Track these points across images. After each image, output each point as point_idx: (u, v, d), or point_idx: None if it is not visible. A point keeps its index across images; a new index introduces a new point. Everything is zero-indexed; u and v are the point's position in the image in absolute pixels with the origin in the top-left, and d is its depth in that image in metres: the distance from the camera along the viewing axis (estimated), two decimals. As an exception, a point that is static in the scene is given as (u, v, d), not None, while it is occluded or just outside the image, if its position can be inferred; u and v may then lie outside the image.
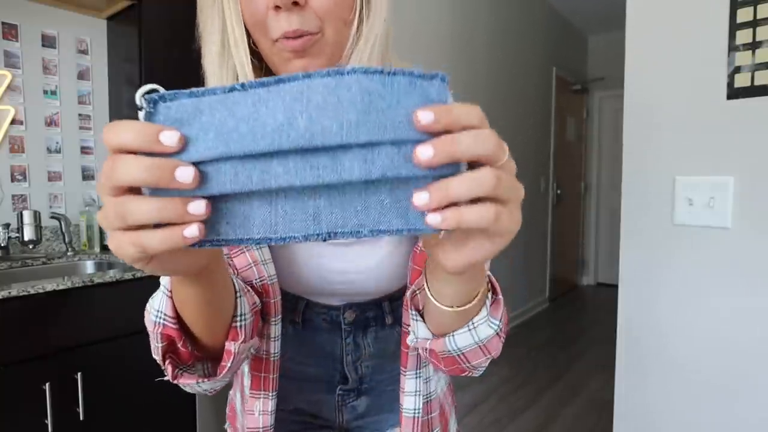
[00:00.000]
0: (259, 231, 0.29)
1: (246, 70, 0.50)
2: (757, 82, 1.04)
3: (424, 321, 0.50)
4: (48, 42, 1.99)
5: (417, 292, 0.52)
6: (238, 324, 0.48)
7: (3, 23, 1.87)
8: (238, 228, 0.29)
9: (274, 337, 0.58)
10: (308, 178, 0.27)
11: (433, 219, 0.27)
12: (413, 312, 0.51)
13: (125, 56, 2.06)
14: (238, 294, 0.49)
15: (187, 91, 0.27)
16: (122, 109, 2.12)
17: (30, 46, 1.94)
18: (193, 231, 0.27)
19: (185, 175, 0.26)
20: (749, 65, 1.04)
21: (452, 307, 0.43)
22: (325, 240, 0.29)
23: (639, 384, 1.23)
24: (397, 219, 0.29)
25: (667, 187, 1.16)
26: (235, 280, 0.49)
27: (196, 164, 0.27)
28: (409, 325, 0.53)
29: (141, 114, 0.28)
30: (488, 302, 0.46)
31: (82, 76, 2.10)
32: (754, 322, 1.07)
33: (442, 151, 0.26)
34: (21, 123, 1.92)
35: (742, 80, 1.05)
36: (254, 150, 0.26)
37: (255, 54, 0.52)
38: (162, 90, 0.28)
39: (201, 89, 0.27)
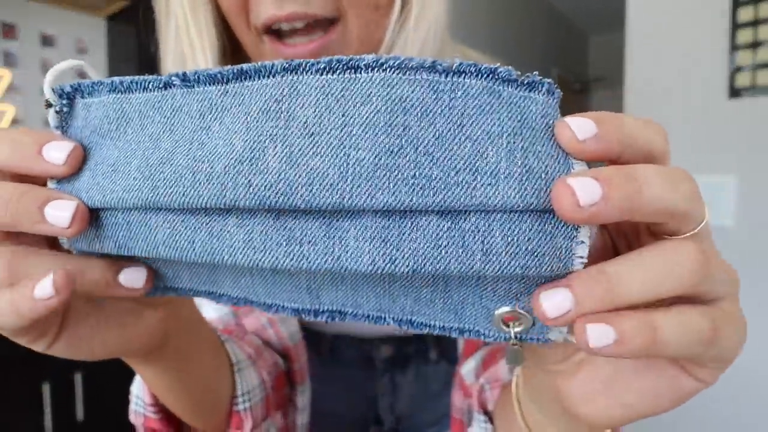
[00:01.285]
0: (230, 288, 0.20)
1: None
2: (758, 82, 1.03)
3: (494, 431, 0.32)
4: (47, 41, 1.99)
5: (485, 385, 0.35)
6: (241, 407, 0.36)
7: (2, 23, 1.87)
8: (192, 278, 0.20)
9: (302, 407, 0.44)
10: (283, 257, 0.16)
11: (597, 337, 0.15)
12: (479, 414, 0.34)
13: (125, 56, 2.06)
14: (236, 368, 0.36)
15: (110, 80, 0.18)
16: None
17: (29, 46, 1.93)
18: (44, 289, 0.17)
19: (59, 215, 0.17)
20: (750, 65, 1.04)
21: None
22: (328, 321, 0.20)
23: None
24: (443, 312, 0.18)
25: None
26: (232, 349, 0.37)
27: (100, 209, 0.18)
28: (463, 412, 0.38)
29: (50, 115, 0.19)
30: None
31: (81, 75, 2.10)
32: (755, 320, 1.07)
33: (611, 200, 0.14)
34: (20, 123, 1.92)
35: (743, 80, 1.05)
36: (193, 203, 0.16)
37: (246, 59, 0.38)
38: (89, 73, 0.20)
39: (128, 79, 0.18)
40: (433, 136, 0.15)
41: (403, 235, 0.15)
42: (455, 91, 0.15)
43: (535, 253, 0.15)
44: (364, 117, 0.15)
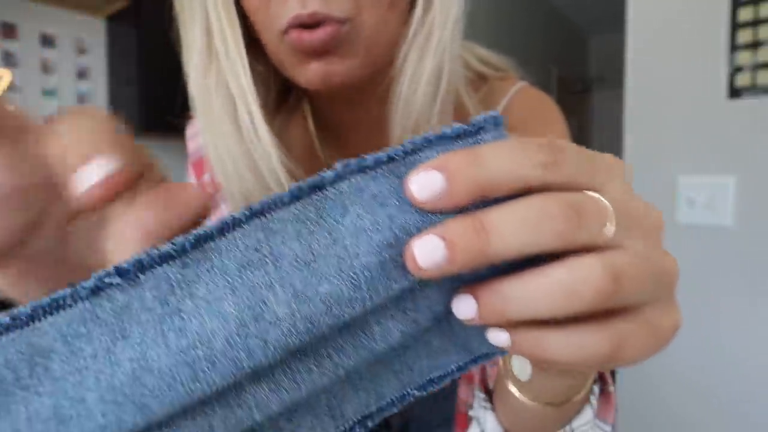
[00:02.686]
0: None
1: (244, 84, 0.35)
2: (758, 82, 1.03)
3: (494, 409, 0.34)
4: (47, 41, 1.99)
5: (486, 365, 0.37)
6: None
7: (2, 23, 1.87)
8: None
9: None
10: (319, 378, 0.16)
11: (496, 337, 0.17)
12: (480, 392, 0.34)
13: (124, 56, 2.06)
14: None
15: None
16: (122, 109, 2.12)
17: (29, 46, 1.93)
18: None
19: None
20: (750, 65, 1.04)
21: (543, 403, 0.27)
22: None
23: (639, 384, 1.23)
24: (456, 354, 0.19)
25: (668, 187, 1.16)
26: None
27: None
28: (468, 405, 0.38)
29: None
30: (595, 397, 0.30)
31: (81, 75, 2.10)
32: (755, 321, 1.07)
33: (454, 261, 0.15)
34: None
35: (743, 80, 1.05)
36: (204, 394, 0.14)
37: (261, 56, 0.38)
38: None
39: (23, 310, 0.13)
40: (418, 215, 0.16)
41: (416, 299, 0.16)
42: (414, 166, 0.16)
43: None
44: (350, 226, 0.15)
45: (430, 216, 0.16)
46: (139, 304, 0.14)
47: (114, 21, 2.13)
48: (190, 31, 0.36)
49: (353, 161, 0.16)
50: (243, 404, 0.15)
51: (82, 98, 2.10)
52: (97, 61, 2.15)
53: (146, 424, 0.14)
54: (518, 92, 0.45)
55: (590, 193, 0.16)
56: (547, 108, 0.46)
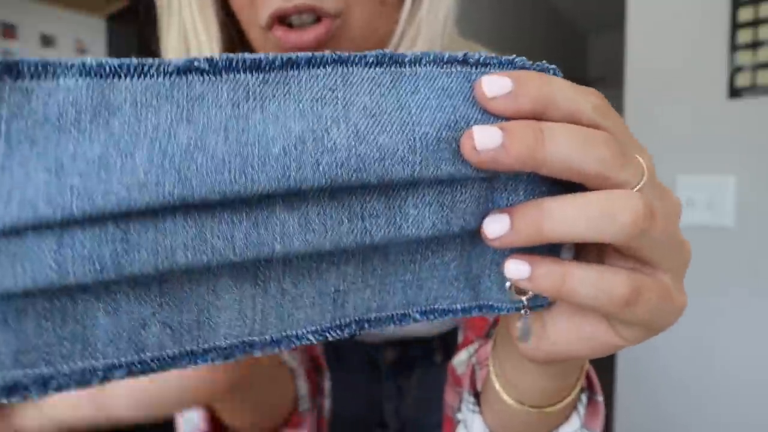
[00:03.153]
0: (225, 334, 0.16)
1: None
2: (758, 82, 1.03)
3: (481, 413, 0.33)
4: (47, 41, 1.99)
5: (476, 366, 0.36)
6: (301, 408, 0.37)
7: (2, 23, 1.87)
8: (166, 334, 0.15)
9: (327, 392, 0.44)
10: (346, 235, 0.16)
11: (517, 269, 0.17)
12: (469, 395, 0.34)
13: (125, 56, 2.06)
14: (294, 374, 0.37)
15: (80, 61, 0.14)
16: (122, 109, 2.12)
17: (29, 46, 1.93)
18: None
19: None
20: (750, 65, 1.04)
21: (529, 405, 0.27)
22: (351, 335, 0.18)
23: (639, 383, 1.23)
24: (463, 291, 0.19)
25: (667, 187, 1.16)
26: (288, 357, 0.37)
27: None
28: (455, 409, 0.38)
29: None
30: (582, 406, 0.30)
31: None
32: (755, 321, 1.07)
33: (509, 151, 0.15)
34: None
35: (743, 80, 1.05)
36: (246, 190, 0.14)
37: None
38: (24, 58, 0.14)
39: (114, 61, 0.14)
40: (480, 112, 0.17)
41: (455, 197, 0.17)
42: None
43: None
44: (418, 102, 0.16)
45: (492, 119, 0.17)
46: (213, 98, 0.14)
47: (114, 21, 2.13)
48: (166, 33, 0.35)
49: (431, 54, 0.17)
50: (269, 227, 0.15)
51: (82, 98, 2.11)
52: (97, 61, 2.15)
53: (181, 200, 0.14)
54: None
55: (632, 154, 0.17)
56: None
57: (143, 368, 0.15)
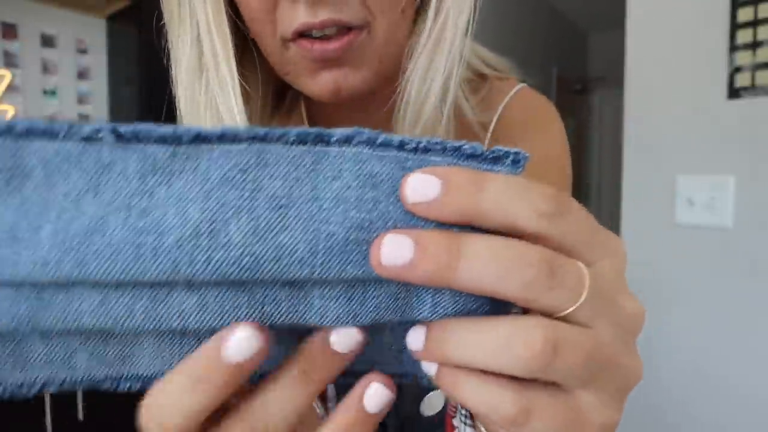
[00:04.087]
0: (149, 362, 0.17)
1: (233, 106, 0.33)
2: (758, 82, 1.03)
3: (474, 427, 0.32)
4: (47, 41, 1.99)
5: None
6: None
7: (2, 23, 1.87)
8: (93, 359, 0.17)
9: (332, 398, 0.44)
10: (243, 319, 0.16)
11: (425, 365, 0.17)
12: (462, 408, 0.34)
13: (125, 56, 2.06)
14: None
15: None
16: (122, 109, 2.12)
17: (29, 46, 1.93)
18: None
19: None
20: (750, 65, 1.04)
21: None
22: None
23: (639, 383, 1.23)
24: (385, 359, 0.19)
25: (667, 187, 1.16)
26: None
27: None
28: (453, 410, 0.37)
29: None
30: None
31: (81, 75, 2.10)
32: (755, 321, 1.07)
33: (416, 269, 0.15)
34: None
35: (742, 80, 1.05)
36: (136, 279, 0.14)
37: (254, 60, 0.36)
38: None
39: (24, 123, 0.14)
40: (402, 211, 0.15)
41: (367, 294, 0.16)
42: (423, 166, 0.16)
43: (469, 311, 0.17)
44: (336, 191, 0.15)
45: (413, 219, 0.16)
46: (121, 168, 0.14)
47: (114, 21, 2.13)
48: (179, 43, 0.34)
49: (367, 132, 0.16)
50: (168, 305, 0.15)
51: (82, 98, 2.10)
52: (97, 61, 2.15)
53: (80, 280, 0.14)
54: (517, 94, 0.44)
55: (576, 261, 0.16)
56: (545, 111, 0.45)
57: (74, 385, 0.17)
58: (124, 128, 0.14)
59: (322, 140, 0.16)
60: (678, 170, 1.14)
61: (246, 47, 0.36)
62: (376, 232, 0.15)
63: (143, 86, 1.96)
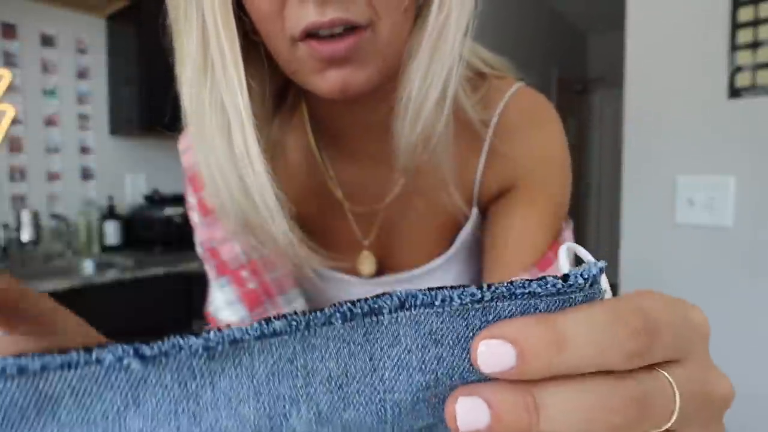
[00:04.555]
0: None
1: (240, 103, 0.33)
2: (758, 82, 1.03)
3: None
4: (47, 41, 1.99)
5: None
6: None
7: (1, 23, 1.87)
8: None
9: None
10: None
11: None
12: None
13: (125, 56, 2.06)
14: None
15: (3, 365, 0.13)
16: (122, 109, 2.12)
17: (29, 46, 1.93)
18: None
19: None
20: (750, 64, 1.04)
21: None
22: None
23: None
24: None
25: (667, 187, 1.16)
26: None
27: None
28: None
29: None
30: None
31: (81, 75, 2.10)
32: (755, 321, 1.07)
33: (498, 429, 0.14)
34: (20, 123, 1.92)
35: (743, 80, 1.05)
36: None
37: (258, 56, 0.37)
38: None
39: (37, 361, 0.13)
40: (468, 361, 0.15)
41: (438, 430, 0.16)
42: (487, 315, 0.15)
43: None
44: (395, 359, 0.14)
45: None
46: (157, 380, 0.13)
47: (114, 21, 2.13)
48: (185, 41, 0.35)
49: (420, 294, 0.14)
50: None
51: (82, 98, 2.10)
52: (97, 61, 2.15)
53: None
54: (516, 94, 0.45)
55: (665, 376, 0.15)
56: (544, 111, 0.46)
57: None
58: (149, 350, 0.13)
59: (373, 313, 0.14)
60: (678, 170, 1.14)
61: (248, 46, 0.37)
62: (445, 386, 0.15)
63: (143, 86, 1.96)
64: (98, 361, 0.13)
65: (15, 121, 1.91)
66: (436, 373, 0.15)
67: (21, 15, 1.92)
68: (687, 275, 1.15)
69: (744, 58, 1.05)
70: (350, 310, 0.14)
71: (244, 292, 0.46)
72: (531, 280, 0.15)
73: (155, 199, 2.13)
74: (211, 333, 0.14)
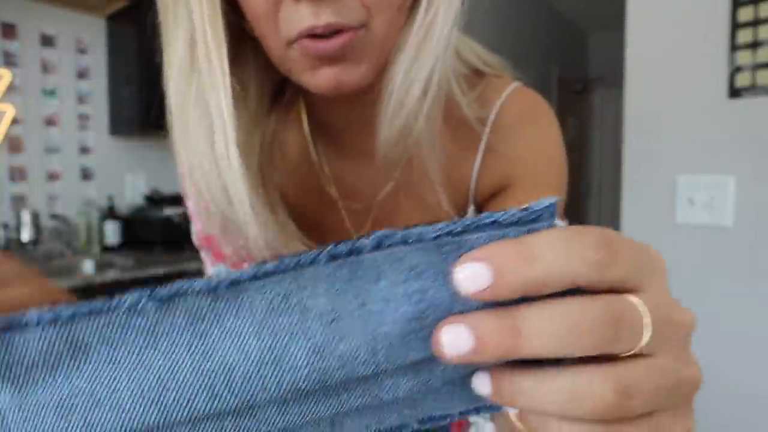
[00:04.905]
0: None
1: (223, 105, 0.33)
2: (758, 82, 1.03)
3: (494, 420, 0.33)
4: (47, 41, 1.99)
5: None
6: None
7: (1, 23, 1.87)
8: None
9: None
10: (324, 411, 0.17)
11: (483, 386, 0.17)
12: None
13: (125, 56, 2.06)
14: None
15: (37, 316, 0.15)
16: (122, 109, 2.12)
17: (29, 46, 1.93)
18: None
19: None
20: (750, 64, 1.04)
21: None
22: None
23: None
24: (462, 400, 0.19)
25: (668, 187, 1.16)
26: None
27: None
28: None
29: None
30: None
31: (81, 75, 2.10)
32: (755, 321, 1.07)
33: (481, 355, 0.15)
34: (20, 123, 1.92)
35: (743, 79, 1.05)
36: (216, 411, 0.16)
37: (253, 53, 0.37)
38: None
39: (68, 310, 0.15)
40: (449, 294, 0.16)
41: (434, 368, 0.17)
42: (461, 248, 0.16)
43: None
44: (380, 292, 0.16)
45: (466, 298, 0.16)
46: (170, 322, 0.15)
47: (114, 21, 2.13)
48: (172, 40, 0.35)
49: (398, 234, 0.16)
50: (254, 419, 0.17)
51: (82, 98, 2.10)
52: (97, 61, 2.15)
53: (166, 423, 0.15)
54: (513, 93, 0.45)
55: (632, 299, 0.16)
56: (540, 110, 0.46)
57: None
58: (163, 292, 0.15)
59: (353, 252, 0.16)
60: (678, 170, 1.14)
61: (243, 43, 0.37)
62: (432, 318, 0.16)
63: (143, 86, 1.96)
64: (118, 306, 0.15)
65: (15, 121, 1.91)
66: (421, 305, 0.16)
67: (21, 15, 1.92)
68: (687, 275, 1.15)
69: (744, 58, 1.05)
70: (335, 249, 0.16)
71: None
72: (495, 213, 0.16)
73: (155, 199, 2.13)
74: (213, 276, 0.15)
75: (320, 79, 0.33)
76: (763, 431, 1.06)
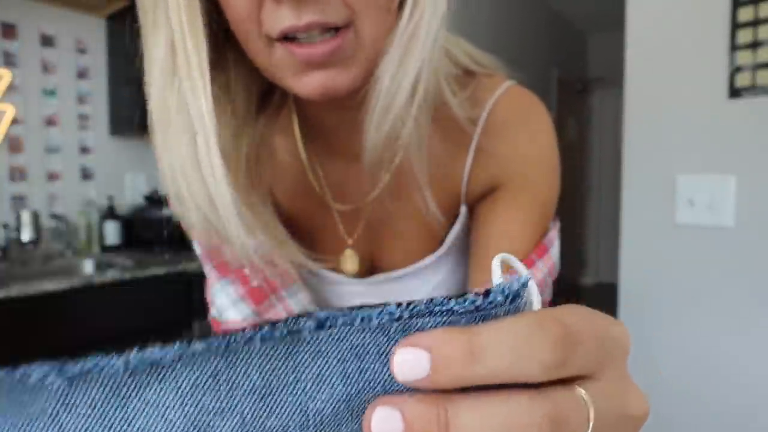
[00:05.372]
0: None
1: (204, 111, 0.32)
2: (758, 82, 1.03)
3: None
4: (47, 41, 1.99)
5: None
6: None
7: (1, 23, 1.86)
8: None
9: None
10: None
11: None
12: None
13: (125, 56, 2.06)
14: None
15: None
16: (122, 109, 2.12)
17: (28, 46, 1.93)
18: None
19: None
20: (750, 64, 1.04)
21: None
22: None
23: (639, 383, 1.23)
24: None
25: (668, 187, 1.16)
26: None
27: None
28: None
29: None
30: None
31: (81, 75, 2.10)
32: (755, 322, 1.07)
33: None
34: (20, 123, 1.92)
35: (743, 79, 1.05)
36: None
37: (240, 58, 0.37)
38: None
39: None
40: (389, 373, 0.15)
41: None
42: (408, 330, 0.15)
43: None
44: (317, 371, 0.15)
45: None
46: (85, 390, 0.14)
47: (114, 21, 2.13)
48: (152, 45, 0.34)
49: (340, 316, 0.15)
50: None
51: (82, 98, 2.10)
52: (97, 61, 2.15)
53: None
54: (505, 92, 0.44)
55: (581, 394, 0.15)
56: (532, 110, 0.45)
57: None
58: (71, 370, 0.14)
59: (292, 332, 0.15)
60: (678, 170, 1.14)
61: (230, 48, 0.37)
62: (368, 398, 0.15)
63: (143, 86, 1.96)
64: (22, 379, 0.14)
65: (15, 121, 1.91)
66: (358, 385, 0.15)
67: (21, 15, 1.92)
68: (687, 275, 1.15)
69: (744, 58, 1.05)
70: (270, 332, 0.15)
71: (249, 289, 0.46)
72: (450, 297, 0.15)
73: (155, 199, 2.13)
74: (131, 355, 0.14)
75: (308, 84, 0.33)
76: (764, 431, 1.06)
